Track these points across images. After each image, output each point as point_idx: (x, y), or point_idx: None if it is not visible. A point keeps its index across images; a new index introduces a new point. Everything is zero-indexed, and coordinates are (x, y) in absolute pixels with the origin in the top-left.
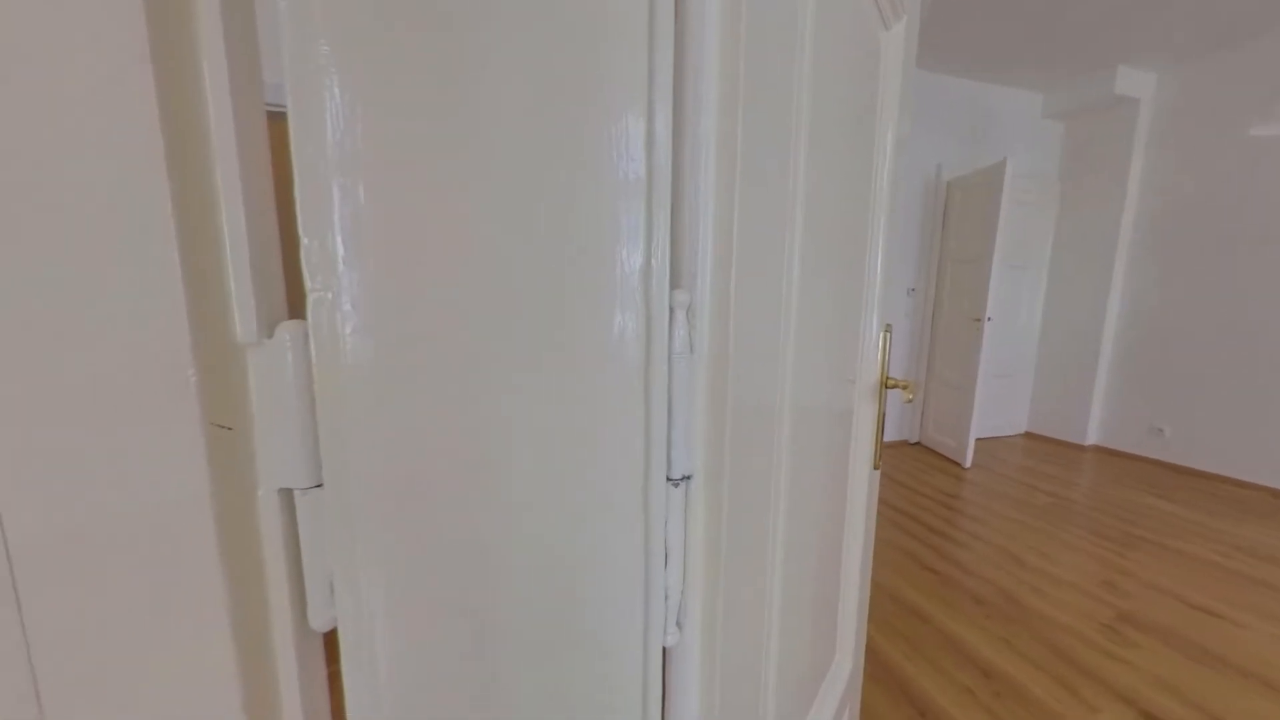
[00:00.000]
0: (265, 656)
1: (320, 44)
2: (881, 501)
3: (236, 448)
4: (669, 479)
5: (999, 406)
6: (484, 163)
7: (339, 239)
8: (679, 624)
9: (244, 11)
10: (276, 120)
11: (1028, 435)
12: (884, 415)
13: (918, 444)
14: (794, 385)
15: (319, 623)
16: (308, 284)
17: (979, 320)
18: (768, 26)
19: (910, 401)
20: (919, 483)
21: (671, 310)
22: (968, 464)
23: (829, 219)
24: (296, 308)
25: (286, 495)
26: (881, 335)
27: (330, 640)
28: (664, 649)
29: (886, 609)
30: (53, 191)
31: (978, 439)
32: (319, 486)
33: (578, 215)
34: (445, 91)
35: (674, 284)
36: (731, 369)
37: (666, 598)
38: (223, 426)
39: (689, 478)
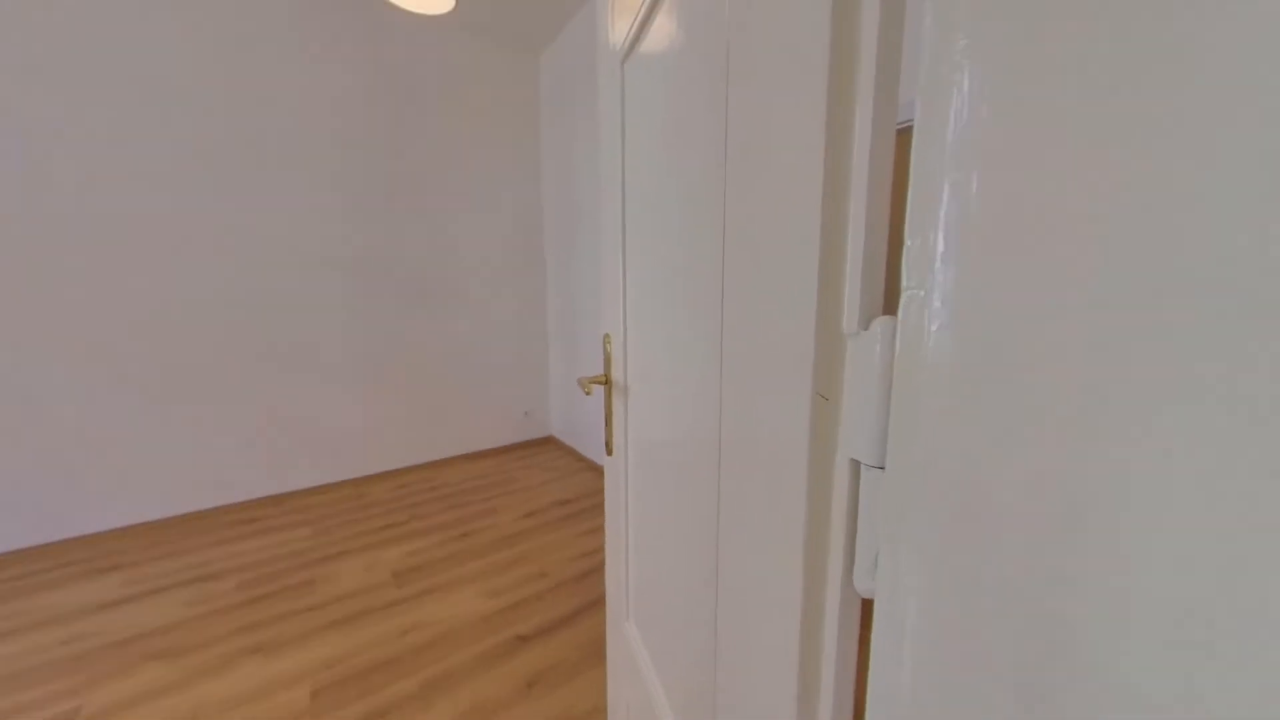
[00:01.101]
0: (819, 589)
1: (959, 38)
2: None
3: (829, 416)
4: None
5: None
6: (1121, 135)
7: (940, 236)
8: None
9: (894, 44)
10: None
11: None
12: None
13: None
14: None
15: (862, 587)
16: (904, 282)
17: None
18: None
19: None
20: None
21: None
22: None
23: None
24: (890, 305)
25: (855, 465)
26: None
27: (867, 608)
28: None
29: None
30: (770, 230)
31: None
32: (881, 468)
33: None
34: (1092, 54)
35: None
36: None
37: None
38: (824, 397)
39: None
